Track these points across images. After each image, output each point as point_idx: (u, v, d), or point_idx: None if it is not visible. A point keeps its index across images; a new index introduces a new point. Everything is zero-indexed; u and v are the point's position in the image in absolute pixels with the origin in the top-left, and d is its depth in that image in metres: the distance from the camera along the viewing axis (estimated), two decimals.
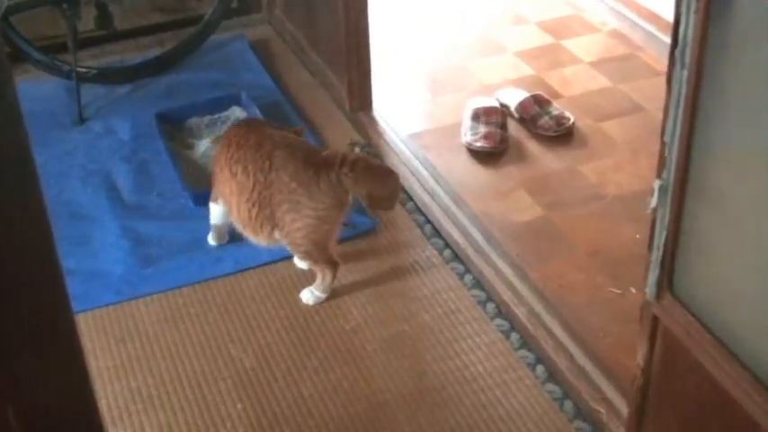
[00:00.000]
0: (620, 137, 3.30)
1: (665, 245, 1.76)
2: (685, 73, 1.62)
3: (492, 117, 3.29)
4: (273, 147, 2.53)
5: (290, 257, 2.75)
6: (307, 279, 2.70)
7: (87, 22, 3.62)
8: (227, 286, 2.71)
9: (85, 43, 3.70)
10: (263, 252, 2.76)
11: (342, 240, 2.79)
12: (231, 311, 2.63)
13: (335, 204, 2.51)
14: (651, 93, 3.49)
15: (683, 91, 1.63)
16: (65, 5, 3.39)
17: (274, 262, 2.77)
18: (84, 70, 3.56)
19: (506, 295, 2.63)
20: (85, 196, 3.06)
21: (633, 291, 2.60)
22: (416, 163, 3.18)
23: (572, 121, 3.32)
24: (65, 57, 3.54)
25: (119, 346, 2.54)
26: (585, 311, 2.58)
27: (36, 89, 3.55)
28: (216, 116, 3.38)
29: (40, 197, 0.90)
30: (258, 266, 2.75)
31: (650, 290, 1.83)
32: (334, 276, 2.61)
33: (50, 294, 0.96)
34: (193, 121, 3.36)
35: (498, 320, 2.57)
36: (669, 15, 1.65)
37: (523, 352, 2.48)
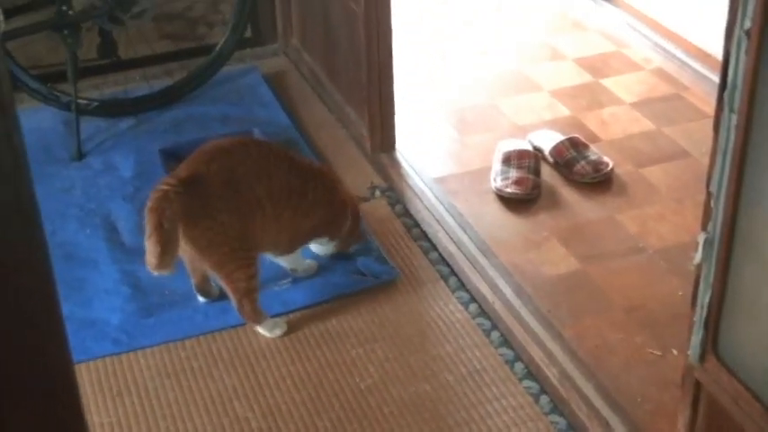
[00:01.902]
0: (664, 184, 3.31)
1: (709, 303, 1.76)
2: (734, 118, 1.62)
3: (524, 161, 3.30)
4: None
5: (302, 309, 2.79)
6: (321, 334, 2.72)
7: (89, 49, 3.65)
8: (235, 339, 2.72)
9: (86, 72, 3.73)
10: (273, 302, 2.77)
11: (359, 291, 2.82)
12: (238, 366, 2.63)
13: None
14: (698, 137, 3.50)
15: (732, 137, 1.63)
16: (65, 31, 3.43)
17: (285, 313, 2.78)
18: (84, 101, 3.60)
19: (537, 355, 2.62)
20: (82, 237, 3.08)
21: (675, 353, 2.59)
22: (442, 209, 3.19)
23: (611, 166, 3.33)
24: (64, 87, 3.58)
25: (115, 402, 2.54)
26: (623, 374, 2.57)
27: (31, 121, 3.59)
28: None
29: (45, 251, 0.91)
30: (271, 317, 2.75)
31: (693, 352, 1.83)
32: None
33: (50, 347, 0.97)
34: None
35: (527, 382, 2.57)
36: (719, 53, 1.66)
37: (554, 417, 2.47)
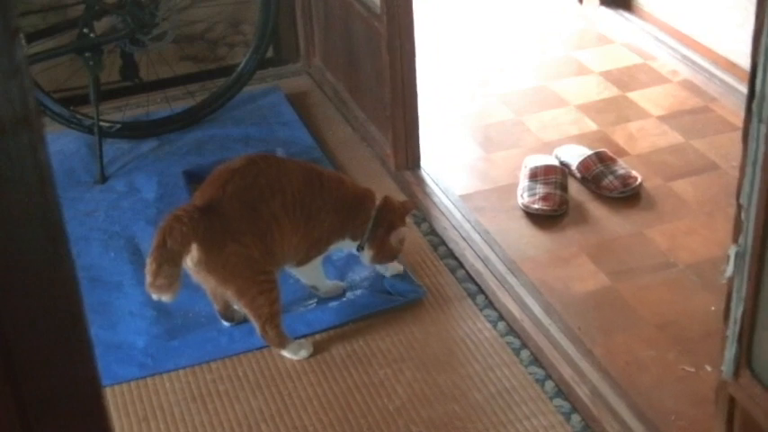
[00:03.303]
0: (693, 198, 3.30)
1: (742, 318, 1.75)
2: (763, 128, 1.61)
3: (551, 176, 3.30)
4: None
5: (327, 329, 2.79)
6: (348, 355, 2.72)
7: (111, 72, 3.68)
8: (261, 361, 2.72)
9: (109, 95, 3.78)
10: (298, 323, 2.78)
11: (385, 311, 2.82)
12: (264, 389, 2.63)
13: None
14: (727, 149, 3.50)
15: (761, 148, 1.62)
16: (87, 54, 3.46)
17: (312, 334, 2.79)
18: (106, 124, 3.63)
19: (567, 373, 2.62)
20: (106, 261, 3.10)
21: (708, 369, 2.58)
22: (468, 227, 3.19)
23: (639, 180, 3.33)
24: (86, 110, 3.61)
25: (141, 427, 2.55)
26: (655, 392, 2.56)
27: (54, 144, 3.62)
28: None
29: (72, 267, 0.91)
30: (295, 339, 2.75)
31: (727, 368, 1.81)
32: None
33: (81, 368, 0.98)
34: None
35: (558, 401, 2.56)
36: (747, 63, 1.65)
37: None
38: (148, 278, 2.49)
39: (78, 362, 0.98)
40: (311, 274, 2.86)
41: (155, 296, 2.52)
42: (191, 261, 2.55)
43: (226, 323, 2.82)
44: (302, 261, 2.79)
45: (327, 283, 2.91)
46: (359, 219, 2.82)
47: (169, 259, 2.47)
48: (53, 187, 0.88)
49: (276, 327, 2.67)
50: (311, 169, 2.79)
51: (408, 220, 3.19)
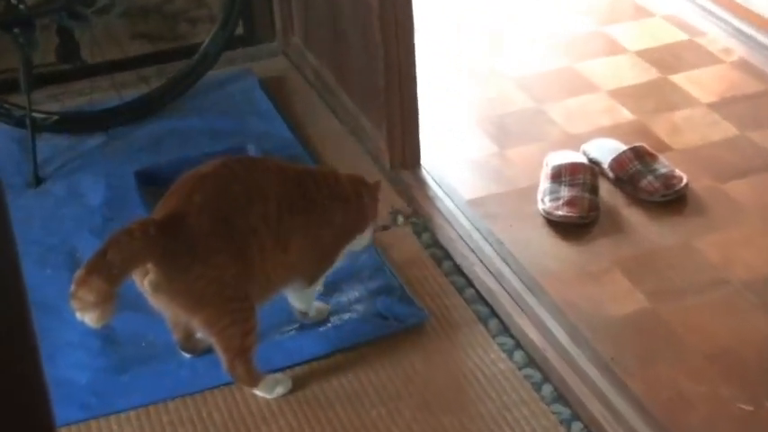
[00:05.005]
0: (751, 202, 3.31)
1: None
2: None
3: (578, 177, 3.30)
4: None
5: (310, 361, 2.79)
6: (334, 392, 2.71)
7: (46, 52, 3.66)
8: (229, 399, 2.70)
9: (44, 80, 3.76)
10: (274, 353, 2.77)
11: (379, 338, 2.83)
12: None
13: None
14: None
15: None
16: (16, 30, 3.43)
17: (290, 367, 2.78)
18: (41, 116, 3.62)
19: (599, 412, 2.60)
20: (42, 280, 3.07)
21: None
22: (478, 237, 3.19)
23: (685, 181, 3.33)
24: (16, 98, 3.59)
25: None
26: None
27: None
28: None
29: (20, 286, 0.91)
30: (269, 372, 2.74)
31: None
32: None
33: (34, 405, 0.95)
34: None
35: None
36: None
37: None
38: (72, 287, 2.43)
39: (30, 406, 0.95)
40: (310, 296, 2.87)
41: (78, 314, 2.45)
42: (148, 284, 2.53)
43: (186, 355, 2.82)
44: (313, 278, 2.80)
45: (315, 305, 2.91)
46: (364, 208, 2.86)
47: (104, 274, 2.42)
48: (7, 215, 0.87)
49: (247, 362, 2.66)
50: (300, 170, 2.81)
51: (407, 229, 3.26)
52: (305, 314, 2.89)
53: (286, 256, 2.67)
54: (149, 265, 2.51)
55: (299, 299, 2.86)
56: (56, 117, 3.68)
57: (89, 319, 2.43)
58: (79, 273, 2.43)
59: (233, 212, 2.60)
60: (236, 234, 2.59)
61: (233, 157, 2.79)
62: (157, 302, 2.61)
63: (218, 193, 2.61)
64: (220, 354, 2.65)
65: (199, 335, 2.77)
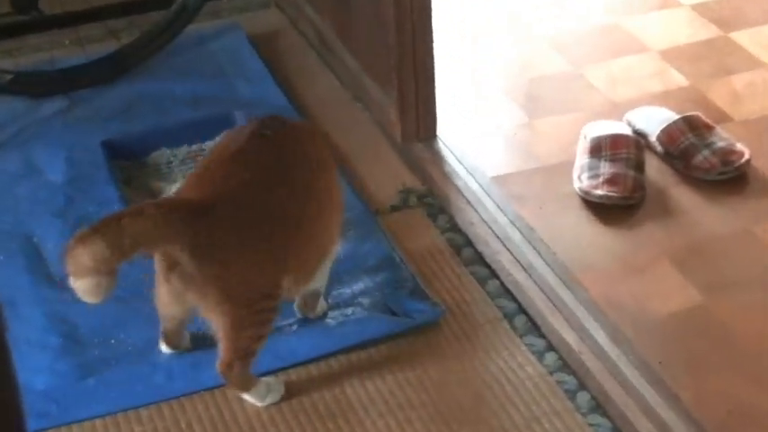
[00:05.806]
0: None
1: None
2: None
3: (621, 151, 3.27)
4: None
5: (306, 362, 2.77)
6: (334, 399, 2.68)
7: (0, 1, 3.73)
8: (212, 406, 2.68)
9: None
10: (265, 355, 2.72)
11: (387, 337, 2.80)
12: None
13: None
14: None
15: None
16: None
17: (283, 370, 2.75)
18: None
19: (643, 425, 2.57)
20: None
21: None
22: (504, 221, 3.16)
23: (746, 157, 3.30)
24: None
25: None
26: None
27: None
28: (195, 147, 3.42)
29: None
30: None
31: None
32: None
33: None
34: (161, 154, 3.40)
35: None
36: None
37: None
38: (69, 242, 2.42)
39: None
40: (326, 270, 2.87)
41: (69, 280, 2.42)
42: (178, 277, 2.54)
43: (166, 349, 2.80)
44: (314, 271, 2.78)
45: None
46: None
47: (111, 238, 2.39)
48: None
49: (247, 365, 2.66)
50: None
51: (420, 210, 3.25)
52: (310, 309, 2.88)
53: (320, 238, 2.75)
54: (180, 254, 2.51)
55: (319, 276, 2.86)
56: (9, 76, 3.70)
57: (79, 288, 2.42)
58: (82, 230, 2.42)
59: (273, 198, 2.65)
60: (277, 226, 2.64)
61: (266, 121, 2.78)
62: (174, 295, 2.62)
63: (259, 176, 2.65)
64: (222, 351, 2.65)
65: (186, 330, 2.81)
